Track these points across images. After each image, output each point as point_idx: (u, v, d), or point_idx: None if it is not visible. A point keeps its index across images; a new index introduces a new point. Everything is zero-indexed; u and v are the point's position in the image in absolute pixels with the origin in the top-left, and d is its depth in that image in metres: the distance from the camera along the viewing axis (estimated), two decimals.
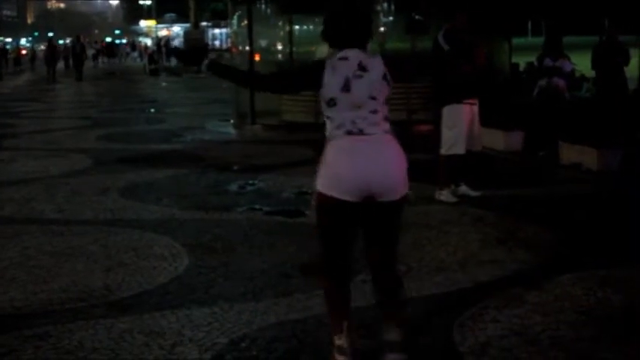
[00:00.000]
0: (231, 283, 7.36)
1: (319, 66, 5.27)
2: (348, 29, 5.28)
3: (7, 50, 70.22)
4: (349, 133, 5.17)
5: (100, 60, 72.93)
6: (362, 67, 5.20)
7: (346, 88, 5.17)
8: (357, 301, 5.92)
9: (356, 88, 5.17)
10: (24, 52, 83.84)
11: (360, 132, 5.16)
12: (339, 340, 5.37)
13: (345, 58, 5.22)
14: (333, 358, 5.40)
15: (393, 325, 5.38)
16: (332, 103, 5.22)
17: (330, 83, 5.20)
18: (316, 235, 5.45)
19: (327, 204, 5.22)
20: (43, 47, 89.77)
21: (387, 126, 5.26)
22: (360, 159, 5.13)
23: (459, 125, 10.54)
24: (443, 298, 6.90)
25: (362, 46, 5.29)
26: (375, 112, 5.20)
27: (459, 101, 10.56)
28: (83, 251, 8.50)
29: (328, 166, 5.22)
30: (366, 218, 5.29)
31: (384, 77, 5.23)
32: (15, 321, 6.51)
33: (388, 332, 5.40)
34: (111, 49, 77.95)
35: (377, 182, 5.13)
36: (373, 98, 5.18)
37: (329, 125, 5.28)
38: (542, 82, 13.99)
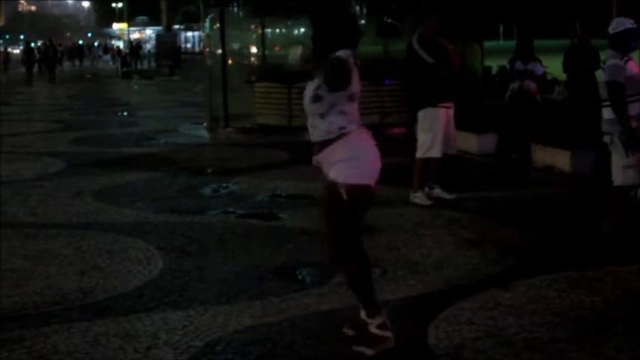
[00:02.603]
0: (206, 286, 7.36)
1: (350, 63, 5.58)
2: (347, 30, 5.66)
3: None
4: (359, 125, 5.67)
5: (69, 63, 72.75)
6: (356, 65, 5.63)
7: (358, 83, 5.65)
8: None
9: (357, 83, 5.62)
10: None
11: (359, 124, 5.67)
12: (382, 318, 5.75)
13: (353, 57, 5.61)
14: (383, 338, 5.71)
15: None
16: (353, 98, 5.61)
17: (355, 79, 5.59)
18: (346, 225, 5.69)
19: (367, 192, 5.71)
20: (17, 51, 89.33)
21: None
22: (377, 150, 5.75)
23: (435, 128, 10.58)
24: (417, 300, 6.92)
25: (355, 46, 5.70)
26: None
27: (434, 105, 10.59)
28: (57, 254, 8.46)
29: (367, 155, 5.66)
30: None
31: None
32: None
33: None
34: (79, 52, 77.73)
35: None
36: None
37: (342, 120, 5.58)
38: (514, 85, 14.05)
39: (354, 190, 5.55)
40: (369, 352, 5.66)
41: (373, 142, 5.74)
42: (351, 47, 5.63)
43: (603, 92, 8.30)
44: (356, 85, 5.60)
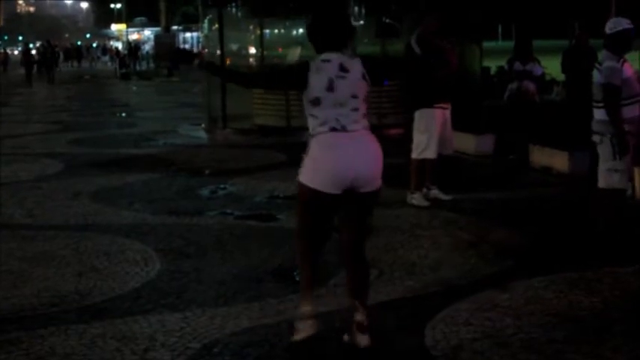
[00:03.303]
0: (204, 287, 7.35)
1: (304, 67, 5.69)
2: (327, 34, 5.71)
3: None
4: (333, 129, 5.58)
5: (66, 64, 72.83)
6: (343, 69, 5.62)
7: (330, 88, 5.61)
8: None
9: (339, 87, 5.59)
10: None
11: (343, 128, 5.60)
12: (307, 307, 5.83)
13: (328, 61, 5.65)
14: (301, 326, 5.80)
15: (361, 307, 5.79)
16: (316, 102, 5.62)
17: (315, 84, 5.63)
18: (299, 220, 5.89)
19: (309, 195, 5.68)
20: (16, 52, 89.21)
21: (366, 123, 5.75)
22: (344, 153, 5.58)
23: (431, 129, 10.58)
24: (415, 302, 6.92)
25: (341, 49, 5.70)
26: (356, 109, 5.66)
27: (431, 105, 10.59)
28: (54, 256, 8.45)
29: (314, 160, 5.61)
30: (344, 206, 5.77)
31: (363, 77, 5.66)
32: None
33: (357, 313, 5.78)
34: (78, 53, 77.76)
35: (360, 174, 5.61)
36: (354, 97, 5.64)
37: (312, 123, 5.67)
38: (513, 86, 14.05)
39: (300, 188, 5.74)
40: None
41: (339, 148, 5.60)
42: (336, 50, 5.69)
43: (596, 93, 8.26)
44: (317, 89, 5.61)
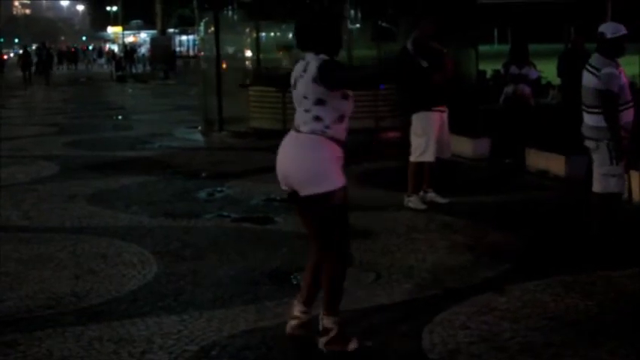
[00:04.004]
0: (201, 290, 7.36)
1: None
2: (301, 35, 5.79)
3: None
4: (293, 128, 5.75)
5: (62, 66, 72.94)
6: (305, 69, 5.66)
7: (294, 86, 5.80)
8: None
9: (298, 87, 5.72)
10: (4, 57, 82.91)
11: (296, 128, 5.71)
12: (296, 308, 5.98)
13: (301, 59, 5.77)
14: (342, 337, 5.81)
15: (325, 313, 5.82)
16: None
17: (291, 81, 5.87)
18: None
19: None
20: (12, 54, 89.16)
21: (315, 126, 5.63)
22: (281, 153, 5.80)
23: (428, 133, 10.59)
24: (412, 305, 6.92)
25: (315, 51, 5.68)
26: (307, 110, 5.68)
27: (428, 109, 10.60)
28: (51, 258, 8.45)
29: None
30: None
31: (314, 79, 5.58)
32: None
33: (323, 320, 5.83)
34: (74, 55, 77.83)
35: (288, 176, 5.74)
36: (305, 97, 5.65)
37: None
38: (508, 90, 14.08)
39: None
40: None
41: (281, 147, 5.86)
42: (311, 51, 5.73)
43: (590, 98, 8.25)
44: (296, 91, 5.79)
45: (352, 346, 5.78)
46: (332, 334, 5.77)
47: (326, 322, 5.78)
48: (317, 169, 5.61)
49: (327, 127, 5.61)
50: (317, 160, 5.62)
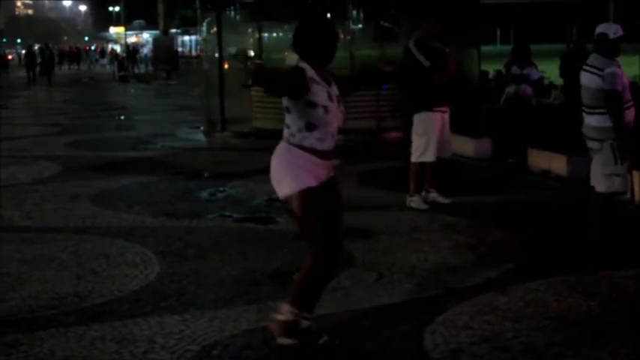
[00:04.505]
0: (203, 290, 7.36)
1: None
2: (293, 41, 5.85)
3: None
4: None
5: (64, 66, 73.12)
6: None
7: None
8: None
9: None
10: (10, 57, 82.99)
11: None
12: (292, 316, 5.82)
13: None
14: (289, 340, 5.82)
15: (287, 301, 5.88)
16: None
17: None
18: None
19: None
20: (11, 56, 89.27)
21: (285, 133, 5.78)
22: None
23: (429, 133, 10.58)
24: (414, 305, 6.92)
25: (301, 57, 5.83)
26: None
27: (430, 109, 10.60)
28: (53, 259, 8.46)
29: None
30: None
31: None
32: None
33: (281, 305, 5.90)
34: (77, 55, 77.99)
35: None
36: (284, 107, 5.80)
37: None
38: (510, 90, 14.07)
39: None
40: None
41: None
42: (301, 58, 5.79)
43: (592, 98, 8.23)
44: None
45: (285, 341, 5.82)
46: (280, 317, 5.81)
47: (284, 307, 5.82)
48: (277, 173, 5.76)
49: (292, 134, 5.71)
50: (278, 165, 5.77)
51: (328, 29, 5.86)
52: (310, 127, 5.65)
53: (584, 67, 8.42)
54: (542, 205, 10.86)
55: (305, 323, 5.82)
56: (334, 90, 5.77)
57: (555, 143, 12.80)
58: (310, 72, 5.69)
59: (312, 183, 5.65)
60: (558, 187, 12.00)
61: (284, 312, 5.79)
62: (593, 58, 8.36)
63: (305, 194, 5.64)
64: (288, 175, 5.69)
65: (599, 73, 8.13)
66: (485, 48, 21.46)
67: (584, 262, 7.93)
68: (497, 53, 30.82)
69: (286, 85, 5.71)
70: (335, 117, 5.72)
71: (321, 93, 5.66)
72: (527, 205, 10.88)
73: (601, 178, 8.29)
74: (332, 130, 5.72)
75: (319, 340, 5.85)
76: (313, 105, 5.62)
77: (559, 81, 18.47)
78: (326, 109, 5.65)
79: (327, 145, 5.71)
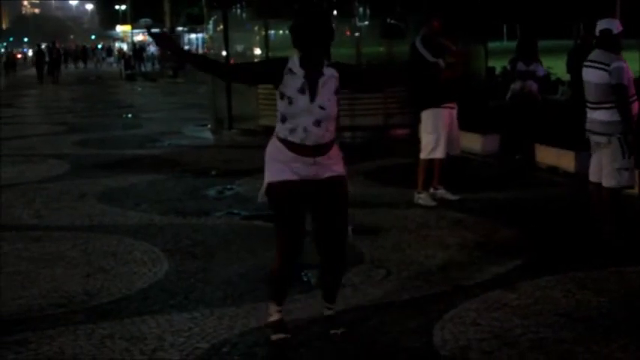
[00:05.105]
0: (211, 288, 7.36)
1: None
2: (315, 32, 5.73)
3: None
4: None
5: (71, 65, 73.40)
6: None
7: None
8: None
9: None
10: (19, 55, 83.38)
11: None
12: (278, 315, 6.02)
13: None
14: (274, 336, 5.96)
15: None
16: None
17: None
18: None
19: None
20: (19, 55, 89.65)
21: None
22: None
23: (438, 129, 10.57)
24: (423, 301, 6.91)
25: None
26: None
27: (438, 105, 10.59)
28: (62, 257, 8.47)
29: None
30: None
31: None
32: None
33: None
34: (83, 54, 78.24)
35: None
36: None
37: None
38: (516, 86, 14.03)
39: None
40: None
41: None
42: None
43: (598, 94, 8.23)
44: None
45: (273, 333, 6.01)
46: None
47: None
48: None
49: (276, 126, 5.80)
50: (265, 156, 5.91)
51: (314, 16, 5.69)
52: (282, 118, 5.68)
53: (587, 63, 8.42)
54: (551, 202, 10.85)
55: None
56: (322, 82, 5.63)
57: (563, 139, 12.78)
58: (292, 63, 5.64)
59: (285, 177, 5.68)
60: (566, 184, 11.98)
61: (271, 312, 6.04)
62: (597, 54, 8.36)
63: (270, 187, 5.75)
64: (266, 166, 5.85)
65: (606, 67, 8.13)
66: (492, 44, 21.46)
67: (594, 258, 7.92)
68: (504, 49, 30.77)
69: (249, 67, 5.89)
70: (305, 110, 5.60)
71: (291, 84, 5.60)
72: (535, 201, 10.88)
73: (611, 172, 8.28)
74: (303, 123, 5.60)
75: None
76: (281, 96, 5.65)
77: (566, 77, 18.45)
78: (290, 100, 5.59)
79: (300, 137, 5.62)
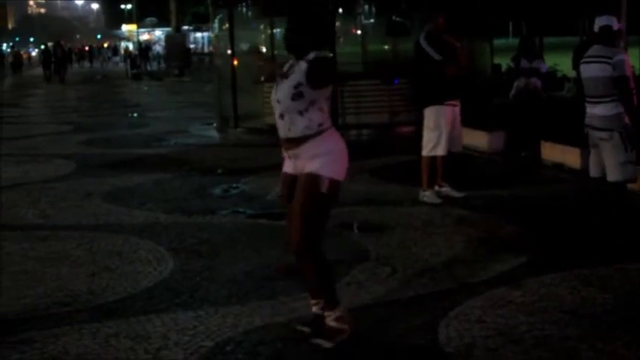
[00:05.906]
0: (216, 286, 7.36)
1: None
2: (324, 32, 6.18)
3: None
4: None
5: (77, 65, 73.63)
6: None
7: None
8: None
9: None
10: (25, 55, 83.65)
11: None
12: (340, 311, 5.94)
13: None
14: (340, 330, 5.88)
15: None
16: (329, 96, 5.89)
17: None
18: (321, 217, 5.87)
19: (338, 191, 5.85)
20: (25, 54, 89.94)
21: None
22: None
23: (441, 126, 10.56)
24: (428, 299, 6.90)
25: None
26: None
27: (441, 102, 10.58)
28: (67, 256, 8.48)
29: (344, 152, 5.88)
30: None
31: None
32: None
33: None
34: (90, 54, 78.52)
35: None
36: None
37: (320, 116, 5.79)
38: (520, 83, 14.01)
39: (334, 184, 5.77)
40: (327, 344, 5.79)
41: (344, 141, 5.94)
42: (320, 48, 5.85)
43: (597, 89, 8.23)
44: None
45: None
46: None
47: None
48: None
49: None
50: None
51: (295, 15, 5.95)
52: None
53: (587, 59, 8.44)
54: (556, 199, 10.83)
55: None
56: (289, 76, 5.83)
57: (569, 136, 12.76)
58: (285, 65, 5.96)
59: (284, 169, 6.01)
60: (572, 181, 11.95)
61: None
62: (597, 49, 8.38)
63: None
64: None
65: (609, 60, 8.15)
66: (497, 41, 21.44)
67: (599, 255, 7.90)
68: (509, 46, 30.76)
69: None
70: (274, 103, 5.90)
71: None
72: (540, 198, 10.86)
73: (615, 167, 8.27)
74: (275, 116, 5.91)
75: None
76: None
77: (572, 73, 18.44)
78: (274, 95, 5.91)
79: (280, 131, 5.91)
